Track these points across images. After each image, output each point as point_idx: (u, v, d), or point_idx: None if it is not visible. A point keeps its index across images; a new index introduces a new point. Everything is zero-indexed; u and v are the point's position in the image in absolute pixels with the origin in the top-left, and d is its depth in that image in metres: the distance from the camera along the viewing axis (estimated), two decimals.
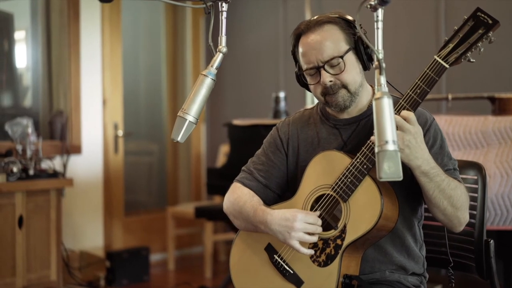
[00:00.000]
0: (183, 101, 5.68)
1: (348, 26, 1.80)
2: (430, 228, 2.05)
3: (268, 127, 3.68)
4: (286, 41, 4.95)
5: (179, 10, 5.52)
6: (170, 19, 5.53)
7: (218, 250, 5.16)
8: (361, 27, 1.76)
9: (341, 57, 1.76)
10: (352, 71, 1.79)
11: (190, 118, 1.55)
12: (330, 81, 1.78)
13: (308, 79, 1.84)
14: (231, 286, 3.91)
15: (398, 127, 1.60)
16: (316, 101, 4.69)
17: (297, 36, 1.85)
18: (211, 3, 1.60)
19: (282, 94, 4.04)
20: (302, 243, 1.74)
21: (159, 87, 5.50)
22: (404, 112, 1.64)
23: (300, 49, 1.83)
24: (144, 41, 5.53)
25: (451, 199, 1.70)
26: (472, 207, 2.02)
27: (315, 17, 1.83)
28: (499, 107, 3.18)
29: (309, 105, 4.42)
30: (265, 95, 5.02)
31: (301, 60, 1.84)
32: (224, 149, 5.00)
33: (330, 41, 1.77)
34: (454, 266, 1.98)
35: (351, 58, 1.78)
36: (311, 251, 1.76)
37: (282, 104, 4.00)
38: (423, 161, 1.64)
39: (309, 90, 1.91)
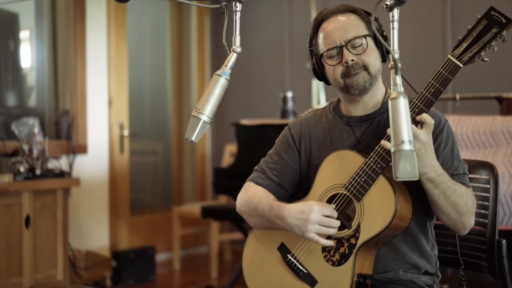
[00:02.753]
0: (188, 101, 5.72)
1: (366, 17, 1.84)
2: (440, 228, 2.05)
3: (276, 127, 3.70)
4: (292, 41, 4.95)
5: (184, 10, 5.53)
6: (175, 19, 5.53)
7: (224, 250, 5.16)
8: (380, 27, 1.81)
9: (364, 36, 1.79)
10: (373, 54, 1.81)
11: (204, 118, 1.55)
12: (352, 60, 1.79)
13: (329, 61, 1.84)
14: (237, 286, 3.92)
15: None
16: (322, 100, 4.67)
17: (318, 23, 1.87)
18: (225, 3, 1.60)
19: (289, 94, 4.04)
20: (320, 235, 1.74)
21: (164, 87, 5.50)
22: (426, 117, 1.65)
23: (321, 34, 1.85)
24: (150, 41, 5.53)
25: (456, 206, 1.71)
26: (484, 207, 2.03)
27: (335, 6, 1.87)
28: (507, 107, 3.19)
29: (314, 105, 4.42)
30: (270, 95, 5.02)
31: (321, 43, 1.85)
32: (229, 149, 5.00)
33: (353, 24, 1.81)
34: (465, 266, 1.98)
35: (371, 43, 1.81)
36: (331, 242, 1.75)
37: (290, 104, 4.00)
38: (430, 168, 1.66)
39: (327, 82, 1.91)
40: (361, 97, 1.85)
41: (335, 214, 1.74)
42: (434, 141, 1.78)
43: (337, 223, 1.73)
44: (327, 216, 1.74)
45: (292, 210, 1.77)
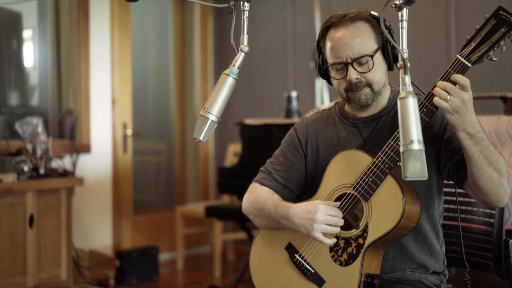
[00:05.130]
0: (191, 101, 5.71)
1: (378, 25, 1.80)
2: (445, 227, 2.04)
3: (280, 127, 3.70)
4: (295, 40, 4.95)
5: (188, 9, 5.53)
6: (178, 19, 5.53)
7: (227, 250, 5.16)
8: (389, 26, 1.78)
9: (371, 56, 1.76)
10: (379, 70, 1.79)
11: (212, 117, 1.55)
12: (356, 78, 1.78)
13: (333, 73, 1.83)
14: (241, 286, 3.92)
15: (449, 92, 1.60)
16: (325, 99, 4.67)
17: (327, 28, 1.83)
18: (233, 2, 1.60)
19: (294, 94, 4.03)
20: (325, 235, 1.74)
21: (167, 86, 5.50)
22: (459, 77, 1.62)
23: (329, 43, 1.82)
24: (153, 40, 5.53)
25: (497, 165, 1.66)
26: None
27: (347, 12, 1.82)
28: None
29: (318, 104, 4.42)
30: (273, 94, 5.02)
31: (328, 53, 1.83)
32: (232, 149, 5.00)
33: (362, 39, 1.77)
34: (472, 266, 1.98)
35: (378, 57, 1.79)
36: (334, 240, 1.75)
37: (294, 104, 3.99)
38: (469, 124, 1.63)
39: (329, 83, 1.90)
40: (367, 108, 1.85)
41: (340, 214, 1.74)
42: (444, 130, 1.79)
43: (342, 222, 1.74)
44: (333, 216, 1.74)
45: (298, 210, 1.77)
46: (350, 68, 1.77)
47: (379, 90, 1.81)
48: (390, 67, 1.82)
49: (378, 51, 1.78)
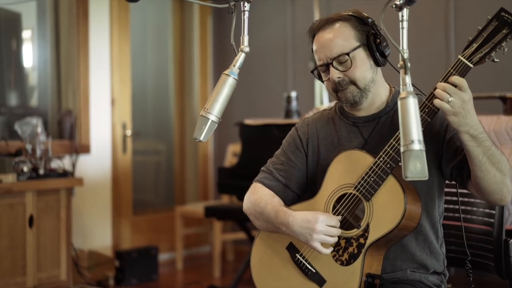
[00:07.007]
0: (191, 101, 5.69)
1: (360, 23, 1.82)
2: (444, 227, 2.05)
3: (280, 127, 3.71)
4: (295, 40, 4.95)
5: (187, 9, 5.52)
6: (177, 19, 5.53)
7: (226, 250, 5.16)
8: (373, 22, 1.81)
9: (348, 54, 1.79)
10: (362, 67, 1.81)
11: (213, 117, 1.56)
12: (338, 77, 1.81)
13: (322, 76, 1.88)
14: (241, 286, 3.92)
15: (449, 93, 1.60)
16: (325, 100, 4.68)
17: (312, 35, 1.89)
18: (233, 2, 1.60)
19: (294, 94, 4.03)
20: (323, 244, 1.75)
21: (166, 86, 5.50)
22: (456, 79, 1.62)
23: (314, 47, 1.88)
24: (152, 40, 5.53)
25: (500, 165, 1.66)
26: (491, 207, 2.03)
27: (329, 15, 1.87)
28: (511, 106, 3.19)
29: (318, 105, 4.42)
30: (273, 94, 5.01)
31: (315, 56, 1.88)
32: (232, 149, 5.00)
33: (340, 39, 1.81)
34: (472, 266, 1.98)
35: (360, 54, 1.81)
36: (331, 249, 1.76)
37: (294, 104, 3.99)
38: (472, 125, 1.63)
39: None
40: (358, 106, 1.86)
41: (339, 224, 1.76)
42: (446, 129, 1.79)
43: (340, 232, 1.75)
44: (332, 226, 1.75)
45: (298, 218, 1.78)
46: (331, 67, 1.82)
47: (365, 86, 1.82)
48: (378, 63, 1.83)
49: (358, 48, 1.80)
